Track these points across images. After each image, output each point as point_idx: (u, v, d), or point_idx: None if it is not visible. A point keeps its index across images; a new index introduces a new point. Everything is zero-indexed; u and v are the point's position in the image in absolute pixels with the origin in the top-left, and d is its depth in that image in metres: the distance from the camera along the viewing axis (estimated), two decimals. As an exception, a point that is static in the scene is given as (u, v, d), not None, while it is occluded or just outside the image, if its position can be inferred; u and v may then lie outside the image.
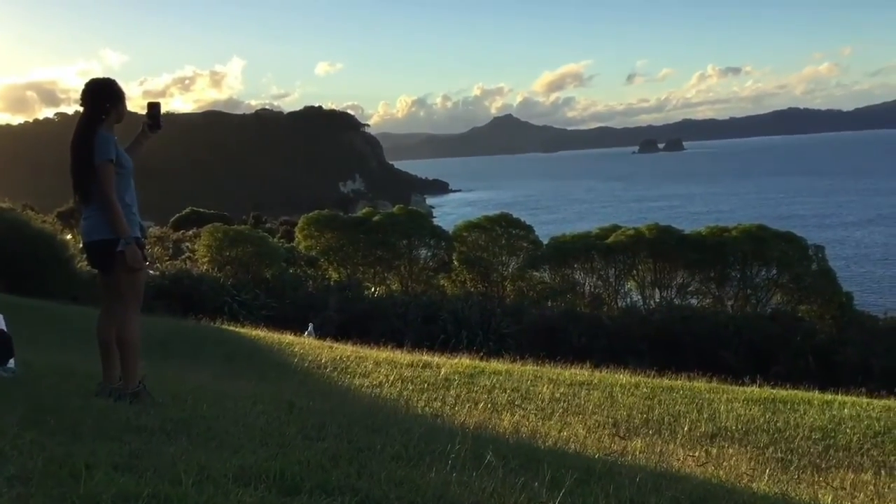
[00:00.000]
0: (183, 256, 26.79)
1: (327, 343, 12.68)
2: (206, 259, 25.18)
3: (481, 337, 19.82)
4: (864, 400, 9.27)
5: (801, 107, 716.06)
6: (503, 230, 25.62)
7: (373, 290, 25.23)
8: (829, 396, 9.38)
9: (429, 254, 26.62)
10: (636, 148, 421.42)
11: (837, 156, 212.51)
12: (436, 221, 31.83)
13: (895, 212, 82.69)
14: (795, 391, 9.81)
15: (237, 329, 14.20)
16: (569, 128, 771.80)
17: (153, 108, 5.07)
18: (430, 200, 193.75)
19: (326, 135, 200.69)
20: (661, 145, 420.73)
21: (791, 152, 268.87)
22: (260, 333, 13.38)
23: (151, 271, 21.64)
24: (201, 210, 46.07)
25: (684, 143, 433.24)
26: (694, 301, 23.04)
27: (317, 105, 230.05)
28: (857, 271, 53.03)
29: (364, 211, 30.21)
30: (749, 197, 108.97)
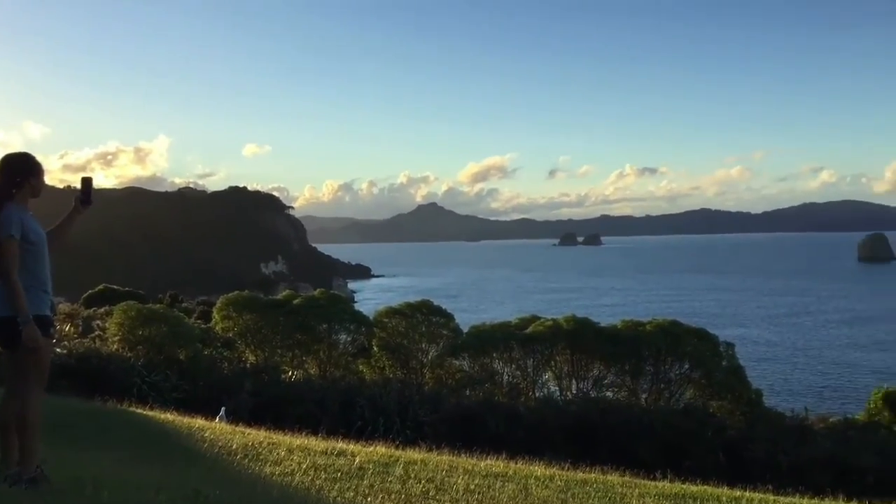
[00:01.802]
0: (93, 335, 25.86)
1: (240, 428, 12.33)
2: (117, 338, 24.34)
3: (398, 424, 19.55)
4: (771, 497, 9.46)
5: (713, 208, 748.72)
6: (424, 317, 25.60)
7: (290, 373, 24.74)
8: (737, 493, 9.54)
9: (348, 338, 26.34)
10: (556, 240, 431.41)
11: (746, 256, 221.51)
12: (357, 306, 31.69)
13: (799, 311, 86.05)
14: (706, 487, 9.96)
15: (145, 412, 13.69)
16: (492, 218, 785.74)
17: (86, 183, 5.04)
18: (352, 285, 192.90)
19: (250, 215, 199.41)
20: (580, 239, 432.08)
21: (703, 251, 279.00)
22: (169, 417, 12.92)
23: (59, 349, 20.79)
24: (115, 287, 44.80)
25: (602, 238, 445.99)
26: (609, 393, 23.28)
27: (242, 185, 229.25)
28: (764, 369, 54.69)
29: (285, 293, 29.85)
30: (663, 293, 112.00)
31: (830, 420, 21.75)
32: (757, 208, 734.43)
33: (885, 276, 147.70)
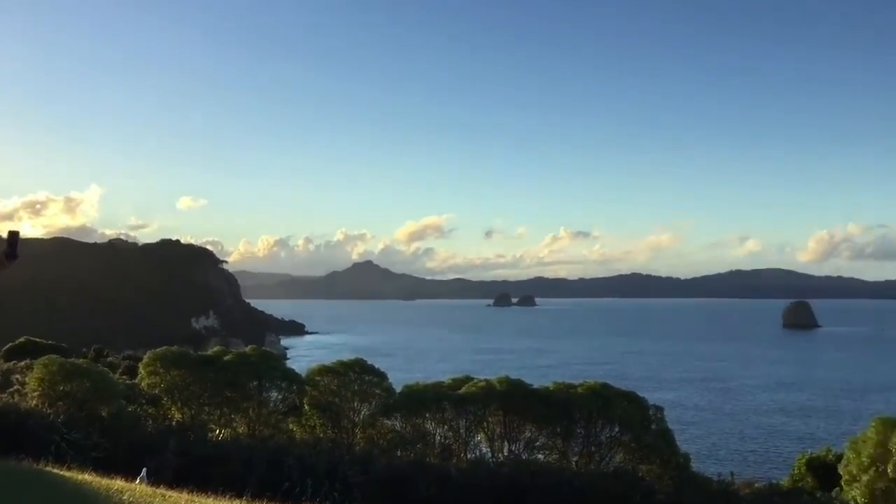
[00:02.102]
0: (11, 389, 24.85)
1: (161, 490, 11.94)
2: (36, 393, 23.43)
3: (327, 486, 19.16)
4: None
5: (645, 272, 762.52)
6: (356, 376, 25.35)
7: (217, 432, 24.10)
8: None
9: (279, 396, 25.86)
10: (491, 301, 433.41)
11: (675, 321, 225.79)
12: (289, 363, 31.21)
13: (726, 376, 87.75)
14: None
15: (62, 472, 13.17)
16: (427, 277, 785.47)
17: (12, 236, 4.97)
18: (285, 341, 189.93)
19: (182, 269, 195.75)
20: (514, 300, 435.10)
21: (634, 315, 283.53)
22: (87, 478, 12.45)
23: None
24: (37, 340, 43.29)
25: (536, 300, 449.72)
26: (541, 456, 23.28)
27: (175, 238, 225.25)
28: (692, 433, 55.39)
29: (215, 349, 29.24)
30: (594, 355, 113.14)
31: (756, 485, 22.11)
32: (686, 274, 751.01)
33: (808, 342, 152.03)
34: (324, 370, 25.74)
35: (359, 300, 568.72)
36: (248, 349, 28.18)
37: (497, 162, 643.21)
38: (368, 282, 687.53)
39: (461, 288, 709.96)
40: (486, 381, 25.20)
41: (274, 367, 26.39)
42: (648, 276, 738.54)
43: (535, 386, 26.08)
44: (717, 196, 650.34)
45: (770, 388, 78.58)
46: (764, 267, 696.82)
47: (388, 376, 26.18)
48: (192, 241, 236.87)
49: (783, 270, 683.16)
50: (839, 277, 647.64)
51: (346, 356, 28.42)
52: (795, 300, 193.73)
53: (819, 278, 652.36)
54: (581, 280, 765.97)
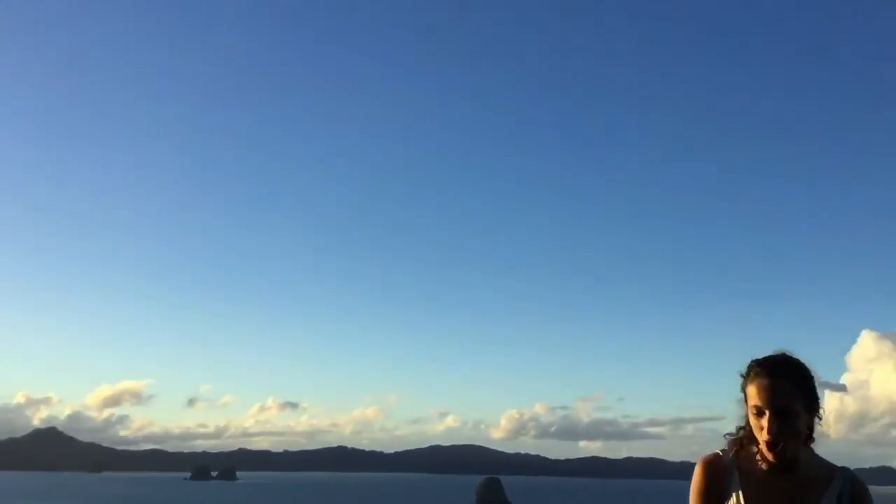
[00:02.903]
0: None
1: None
2: None
3: None
4: None
5: (350, 446, 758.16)
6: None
7: None
8: None
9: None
10: (188, 474, 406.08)
11: (376, 497, 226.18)
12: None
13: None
14: None
15: None
16: (119, 447, 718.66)
17: None
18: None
19: None
20: (214, 473, 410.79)
21: (335, 490, 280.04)
22: None
23: None
24: None
25: (238, 473, 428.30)
26: None
27: None
28: None
29: None
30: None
31: None
32: (389, 448, 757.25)
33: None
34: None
35: (39, 471, 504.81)
36: None
37: (205, 325, 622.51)
38: (51, 451, 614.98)
39: (157, 459, 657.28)
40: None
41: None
42: (353, 450, 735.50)
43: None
44: (422, 371, 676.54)
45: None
46: (461, 443, 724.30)
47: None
48: None
49: (479, 447, 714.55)
50: (527, 454, 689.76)
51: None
52: (488, 476, 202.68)
53: (510, 455, 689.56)
54: (286, 452, 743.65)
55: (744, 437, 2.86)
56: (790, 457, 2.72)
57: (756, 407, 2.72)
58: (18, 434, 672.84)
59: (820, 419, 2.88)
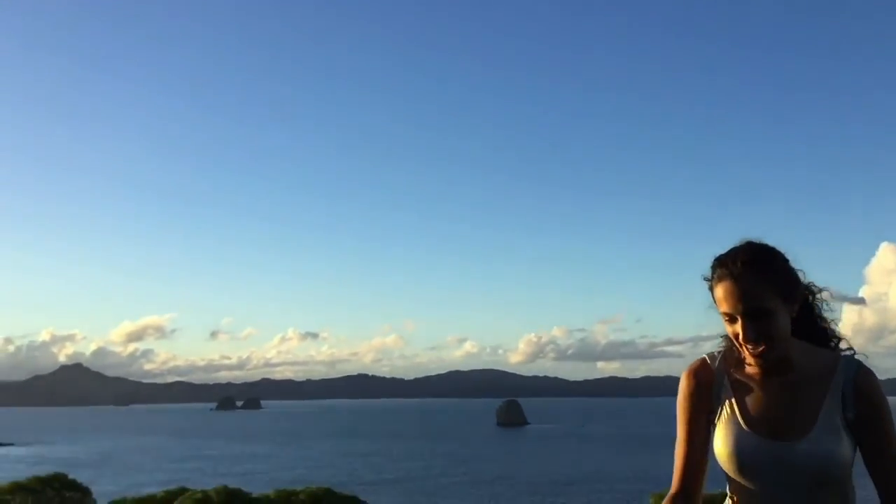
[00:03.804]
0: None
1: None
2: None
3: None
4: None
5: (370, 373, 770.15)
6: (55, 492, 23.47)
7: None
8: None
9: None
10: (214, 405, 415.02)
11: (399, 421, 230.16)
12: (-25, 482, 27.95)
13: (438, 473, 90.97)
14: None
15: None
16: (145, 381, 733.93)
17: None
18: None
19: None
20: (239, 403, 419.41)
21: (359, 416, 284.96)
22: None
23: None
24: None
25: (262, 402, 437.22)
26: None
27: None
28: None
29: None
30: (317, 457, 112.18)
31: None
32: (409, 375, 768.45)
33: (518, 439, 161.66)
34: (17, 487, 23.56)
35: (66, 406, 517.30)
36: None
37: (225, 260, 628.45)
38: (78, 386, 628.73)
39: (182, 391, 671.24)
40: (202, 492, 24.43)
41: (-44, 486, 23.70)
42: (374, 377, 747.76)
43: (256, 494, 25.69)
44: (440, 299, 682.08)
45: (484, 484, 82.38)
46: (479, 368, 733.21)
47: (94, 491, 24.51)
48: None
49: (497, 371, 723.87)
50: (545, 377, 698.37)
51: (45, 471, 26.22)
52: (507, 399, 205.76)
53: (528, 378, 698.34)
54: (308, 381, 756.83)
55: (732, 341, 2.34)
56: (777, 358, 2.23)
57: (726, 314, 2.24)
58: (45, 371, 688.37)
59: (815, 298, 2.39)
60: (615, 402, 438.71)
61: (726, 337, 2.37)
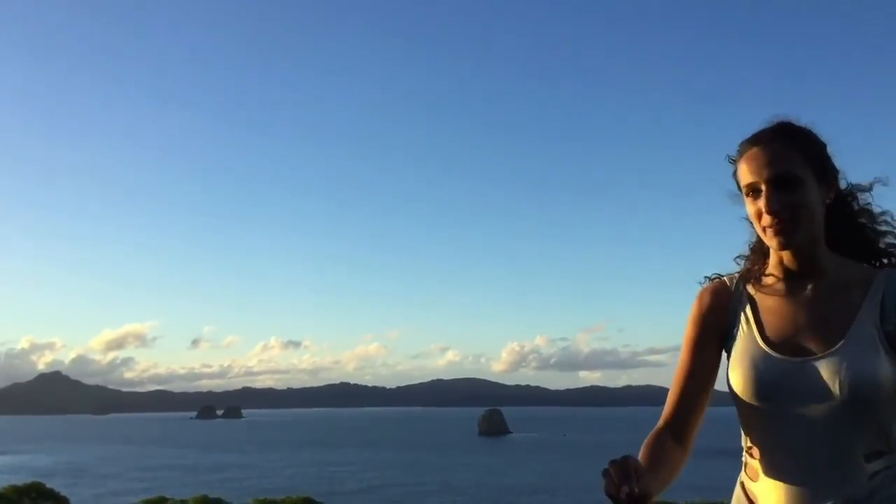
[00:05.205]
0: None
1: None
2: None
3: None
4: None
5: (353, 382, 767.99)
6: (33, 502, 23.31)
7: None
8: None
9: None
10: (194, 413, 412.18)
11: (382, 430, 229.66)
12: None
13: (415, 482, 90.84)
14: None
15: None
16: (124, 389, 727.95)
17: None
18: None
19: None
20: (219, 412, 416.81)
21: (341, 425, 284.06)
22: None
23: None
24: None
25: (243, 411, 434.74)
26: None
27: None
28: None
29: None
30: (301, 467, 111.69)
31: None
32: (391, 383, 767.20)
33: (500, 447, 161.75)
34: (-6, 497, 23.39)
35: (45, 415, 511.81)
36: None
37: (207, 267, 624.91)
38: (56, 395, 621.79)
39: (162, 400, 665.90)
40: (181, 501, 24.37)
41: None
42: (356, 386, 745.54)
43: (236, 503, 25.67)
44: (422, 308, 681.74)
45: (464, 492, 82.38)
46: (462, 377, 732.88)
47: (72, 500, 24.38)
48: None
49: (479, 380, 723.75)
50: (528, 386, 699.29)
51: (22, 479, 26.02)
52: (490, 408, 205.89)
53: (510, 387, 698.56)
54: (290, 390, 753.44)
55: (753, 254, 2.03)
56: (802, 243, 1.84)
57: (750, 185, 1.86)
58: (23, 379, 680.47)
59: (860, 205, 1.95)
60: (597, 412, 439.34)
61: (746, 257, 2.06)
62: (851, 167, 1.93)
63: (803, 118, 1.88)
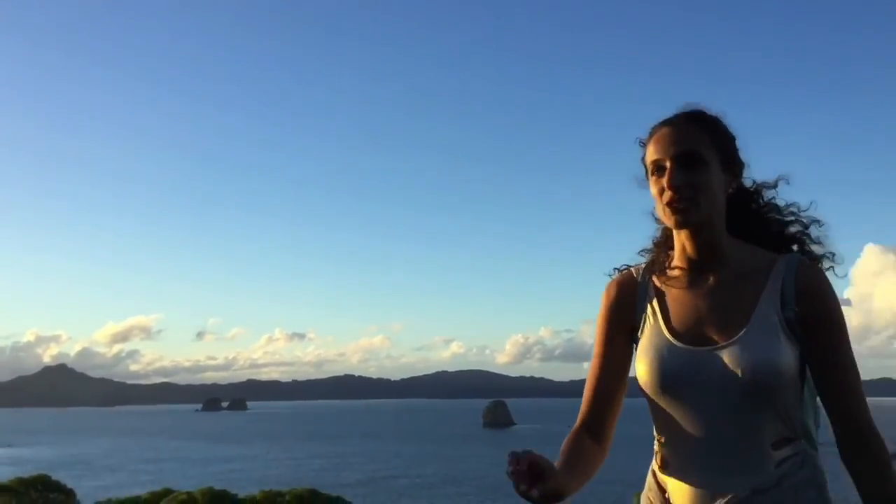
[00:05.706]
0: None
1: None
2: None
3: None
4: None
5: (357, 374, 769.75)
6: (39, 494, 23.40)
7: None
8: None
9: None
10: (199, 406, 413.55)
11: (386, 422, 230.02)
12: (-44, 484, 27.79)
13: (420, 473, 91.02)
14: None
15: None
16: (130, 381, 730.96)
17: None
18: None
19: None
20: (224, 404, 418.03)
21: (345, 417, 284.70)
22: None
23: None
24: None
25: (248, 403, 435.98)
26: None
27: None
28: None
29: None
30: (306, 459, 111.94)
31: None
32: (396, 375, 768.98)
33: (503, 439, 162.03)
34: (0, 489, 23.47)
35: (50, 407, 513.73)
36: None
37: (212, 260, 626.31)
38: (62, 387, 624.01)
39: (167, 392, 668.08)
40: (187, 493, 24.41)
41: (-62, 488, 23.59)
42: (360, 378, 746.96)
43: (241, 495, 25.67)
44: (427, 300, 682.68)
45: (468, 483, 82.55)
46: (466, 368, 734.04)
47: (77, 492, 24.46)
48: None
49: (483, 372, 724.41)
50: (532, 378, 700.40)
51: (28, 472, 26.13)
52: (494, 400, 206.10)
53: (515, 378, 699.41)
54: (295, 382, 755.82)
55: (656, 247, 2.04)
56: (700, 220, 1.82)
57: (655, 162, 1.84)
58: (29, 372, 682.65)
59: (764, 200, 1.99)
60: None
61: (649, 251, 2.06)
62: (760, 169, 1.96)
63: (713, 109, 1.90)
